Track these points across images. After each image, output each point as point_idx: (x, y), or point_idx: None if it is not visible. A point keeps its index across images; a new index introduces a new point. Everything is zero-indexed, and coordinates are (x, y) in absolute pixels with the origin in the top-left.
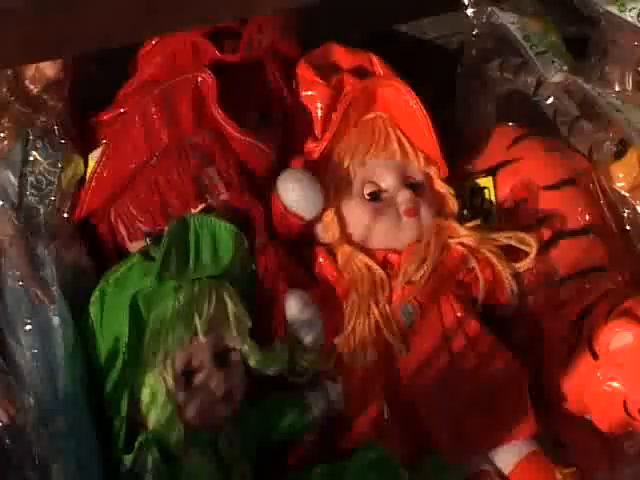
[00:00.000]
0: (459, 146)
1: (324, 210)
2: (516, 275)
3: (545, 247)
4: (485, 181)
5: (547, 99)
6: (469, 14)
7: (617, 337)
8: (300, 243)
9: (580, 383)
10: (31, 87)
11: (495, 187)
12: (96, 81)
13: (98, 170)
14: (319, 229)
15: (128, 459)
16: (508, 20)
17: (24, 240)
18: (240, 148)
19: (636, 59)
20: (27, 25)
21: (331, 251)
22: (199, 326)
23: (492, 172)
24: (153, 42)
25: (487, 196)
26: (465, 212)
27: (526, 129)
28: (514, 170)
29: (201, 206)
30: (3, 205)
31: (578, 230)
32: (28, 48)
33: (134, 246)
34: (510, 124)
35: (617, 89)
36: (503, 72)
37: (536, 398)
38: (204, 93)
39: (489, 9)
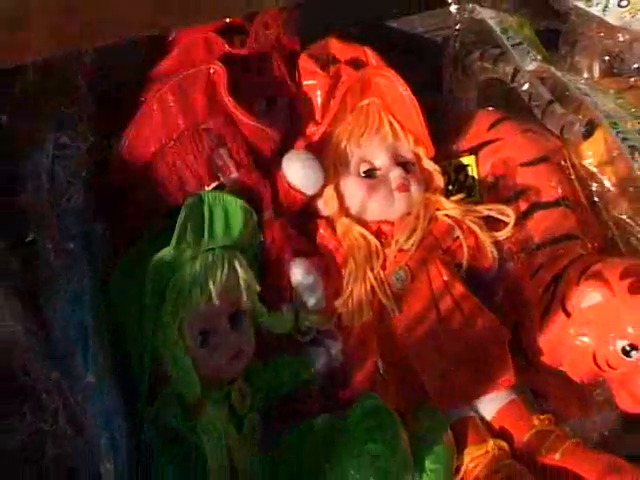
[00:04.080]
0: (445, 128)
1: (324, 186)
2: (496, 243)
3: (522, 217)
4: (468, 159)
5: (523, 85)
6: (453, 10)
7: (587, 297)
8: (303, 216)
9: (554, 338)
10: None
11: (477, 165)
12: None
13: (121, 153)
14: (320, 203)
15: (151, 411)
16: (488, 15)
17: (56, 216)
18: (249, 132)
19: (602, 49)
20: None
21: (331, 223)
22: (213, 291)
23: (474, 151)
24: (170, 38)
25: (470, 173)
26: (450, 187)
27: (504, 113)
28: (494, 149)
29: (214, 184)
30: (38, 186)
31: (551, 202)
32: (55, 39)
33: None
34: (490, 108)
35: (586, 76)
36: (483, 62)
37: (515, 352)
38: (216, 83)
39: (471, 6)
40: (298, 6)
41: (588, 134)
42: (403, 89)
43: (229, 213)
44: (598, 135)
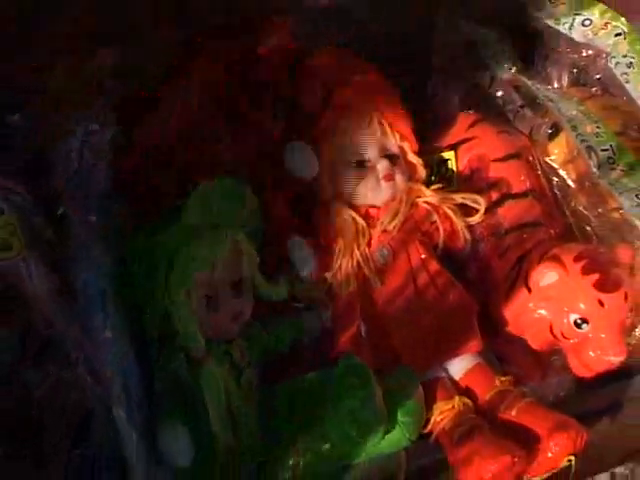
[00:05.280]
0: (430, 127)
1: (320, 174)
2: (469, 227)
3: (493, 206)
4: (448, 154)
5: (498, 92)
6: (441, 24)
7: (546, 276)
8: (301, 199)
9: (517, 311)
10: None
11: (456, 159)
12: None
13: (141, 141)
14: (316, 189)
15: (161, 365)
16: (471, 30)
17: (82, 193)
18: (255, 126)
19: (570, 62)
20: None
21: (325, 206)
22: (217, 263)
23: (454, 147)
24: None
25: (450, 166)
26: (432, 178)
27: (481, 115)
28: (471, 146)
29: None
30: (68, 166)
31: (520, 193)
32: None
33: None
34: (469, 111)
35: (556, 85)
36: (465, 71)
37: (483, 323)
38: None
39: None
40: (301, 14)
41: (553, 135)
42: (392, 91)
43: (234, 194)
44: (561, 137)
